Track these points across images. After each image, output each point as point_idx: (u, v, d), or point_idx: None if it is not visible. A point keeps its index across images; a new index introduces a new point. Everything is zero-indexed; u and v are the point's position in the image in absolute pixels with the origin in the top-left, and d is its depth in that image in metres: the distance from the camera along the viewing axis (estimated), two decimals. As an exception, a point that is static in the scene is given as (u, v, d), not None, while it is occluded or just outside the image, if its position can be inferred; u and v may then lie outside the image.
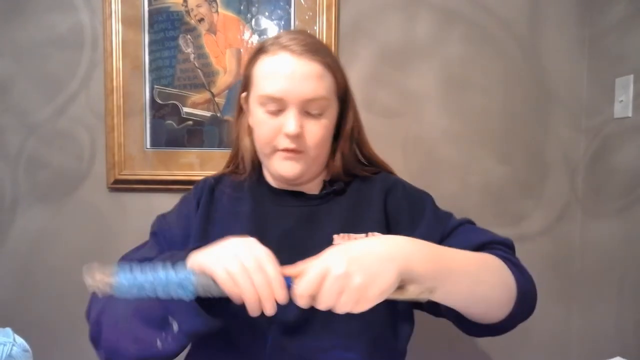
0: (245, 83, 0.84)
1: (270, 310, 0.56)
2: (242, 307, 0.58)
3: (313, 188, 0.85)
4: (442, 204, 1.26)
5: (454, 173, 1.28)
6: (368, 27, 1.25)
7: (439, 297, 0.62)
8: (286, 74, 0.75)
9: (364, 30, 1.25)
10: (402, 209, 0.82)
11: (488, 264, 0.67)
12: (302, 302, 0.56)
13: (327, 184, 0.85)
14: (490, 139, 1.27)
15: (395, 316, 0.78)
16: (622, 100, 1.13)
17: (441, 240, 0.77)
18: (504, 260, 0.68)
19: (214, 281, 0.56)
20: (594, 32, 1.24)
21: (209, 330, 0.62)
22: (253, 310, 0.56)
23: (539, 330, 1.30)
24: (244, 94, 0.85)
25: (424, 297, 0.57)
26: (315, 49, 0.77)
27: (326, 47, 0.82)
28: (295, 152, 0.78)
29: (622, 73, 1.13)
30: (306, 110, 0.76)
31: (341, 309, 0.55)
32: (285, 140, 0.76)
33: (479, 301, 0.65)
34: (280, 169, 0.79)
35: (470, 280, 0.63)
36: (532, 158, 1.28)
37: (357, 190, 0.85)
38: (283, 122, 0.76)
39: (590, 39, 1.25)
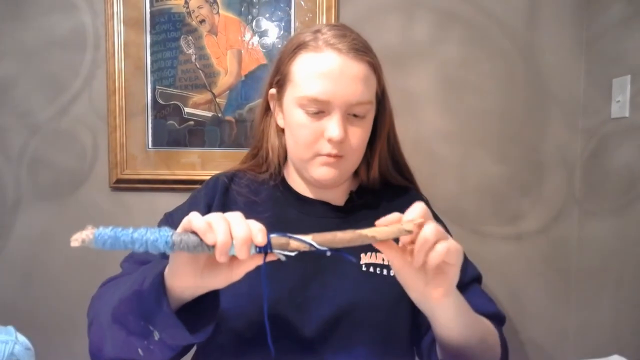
0: (278, 80, 0.76)
1: (244, 254, 0.51)
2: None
3: (338, 198, 0.81)
4: (441, 204, 1.27)
5: (452, 173, 1.28)
6: (367, 28, 1.24)
7: (455, 332, 0.63)
8: (333, 75, 0.69)
9: (363, 31, 1.22)
10: None
11: (492, 331, 0.70)
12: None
13: (353, 195, 0.82)
14: (488, 139, 1.28)
15: (413, 346, 0.77)
16: (619, 101, 1.14)
17: (458, 287, 0.77)
18: (499, 336, 0.72)
19: (193, 233, 0.52)
20: (591, 33, 1.25)
21: (192, 342, 0.60)
22: (222, 253, 0.51)
23: (537, 328, 1.31)
24: (272, 91, 0.78)
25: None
26: (363, 47, 0.72)
27: (368, 44, 0.76)
28: (336, 157, 0.73)
29: (620, 73, 1.14)
30: (349, 112, 0.72)
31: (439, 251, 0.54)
32: (327, 145, 0.72)
33: (477, 355, 0.66)
34: (317, 174, 0.75)
35: (480, 334, 0.66)
36: (530, 158, 1.28)
37: (387, 204, 0.81)
38: (326, 126, 0.71)
39: (587, 39, 1.26)
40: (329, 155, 0.72)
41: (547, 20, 1.26)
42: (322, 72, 0.69)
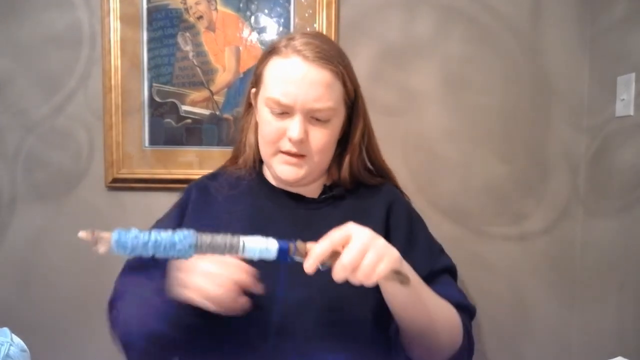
0: (255, 80, 0.83)
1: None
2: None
3: (313, 191, 0.85)
4: (443, 203, 1.26)
5: (454, 172, 1.27)
6: (368, 24, 1.24)
7: (404, 311, 0.70)
8: (295, 80, 0.74)
9: (364, 27, 1.24)
10: (401, 228, 0.83)
11: (450, 315, 0.76)
12: (317, 258, 0.59)
13: (327, 188, 0.85)
14: (491, 138, 1.27)
15: (379, 332, 0.80)
16: (623, 99, 1.12)
17: (428, 274, 0.80)
18: (462, 325, 0.77)
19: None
20: (595, 30, 1.23)
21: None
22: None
23: (540, 329, 1.29)
24: (253, 90, 0.84)
25: (401, 280, 0.63)
26: (329, 55, 0.76)
27: (341, 53, 0.81)
28: (297, 157, 0.78)
29: (624, 71, 1.12)
30: (312, 116, 0.76)
31: (364, 269, 0.58)
32: (288, 143, 0.77)
33: (430, 335, 0.72)
34: (280, 172, 0.79)
35: (432, 314, 0.72)
36: (533, 157, 1.27)
37: (359, 198, 0.85)
38: (288, 126, 0.76)
39: (591, 37, 1.24)
40: (289, 153, 0.77)
41: (551, 17, 1.24)
42: (287, 76, 0.75)
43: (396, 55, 1.25)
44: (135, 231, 0.57)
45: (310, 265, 0.59)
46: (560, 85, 1.26)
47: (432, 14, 1.24)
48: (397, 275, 0.62)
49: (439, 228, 0.91)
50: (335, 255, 0.60)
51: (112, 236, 0.56)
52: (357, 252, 0.59)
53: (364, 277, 0.59)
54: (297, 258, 0.61)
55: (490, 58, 1.25)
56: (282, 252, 0.60)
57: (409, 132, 1.26)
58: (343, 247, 0.60)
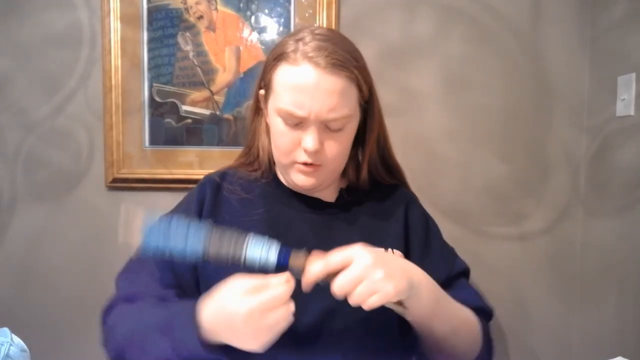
0: (264, 85, 0.78)
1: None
2: None
3: (329, 195, 0.83)
4: (443, 203, 1.26)
5: (454, 172, 1.27)
6: (368, 24, 1.24)
7: (423, 325, 0.70)
8: (308, 90, 0.70)
9: (364, 27, 1.24)
10: (419, 229, 0.84)
11: (469, 323, 0.76)
12: (310, 280, 0.60)
13: (344, 192, 0.84)
14: (492, 138, 1.27)
15: (403, 338, 0.79)
16: (624, 99, 1.12)
17: (446, 279, 0.80)
18: (481, 329, 0.78)
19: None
20: (596, 30, 1.23)
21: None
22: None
23: (540, 329, 1.29)
24: (262, 92, 0.80)
25: (398, 310, 0.64)
26: (343, 60, 0.71)
27: (354, 51, 0.75)
28: (313, 166, 0.75)
29: (625, 71, 1.12)
30: (326, 125, 0.73)
31: (355, 298, 0.58)
32: (304, 154, 0.74)
33: (449, 346, 0.73)
34: (297, 180, 0.77)
35: (451, 326, 0.72)
36: (534, 157, 1.27)
37: (377, 201, 0.84)
38: (302, 136, 0.73)
39: (592, 37, 1.24)
40: (305, 163, 0.75)
41: (551, 17, 1.24)
42: (298, 86, 0.70)
43: (396, 55, 1.25)
44: (159, 237, 0.61)
45: (305, 286, 0.60)
46: (560, 85, 1.26)
47: (432, 14, 1.24)
48: (396, 305, 0.62)
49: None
50: (336, 274, 0.60)
51: (142, 234, 0.61)
52: (349, 281, 0.59)
53: (355, 304, 0.59)
54: (295, 273, 0.61)
55: (490, 58, 1.25)
56: (280, 268, 0.60)
57: (409, 132, 1.26)
58: (344, 268, 0.60)
